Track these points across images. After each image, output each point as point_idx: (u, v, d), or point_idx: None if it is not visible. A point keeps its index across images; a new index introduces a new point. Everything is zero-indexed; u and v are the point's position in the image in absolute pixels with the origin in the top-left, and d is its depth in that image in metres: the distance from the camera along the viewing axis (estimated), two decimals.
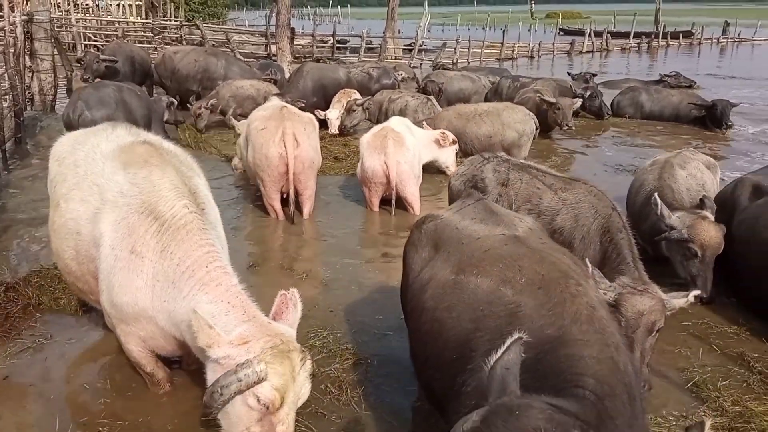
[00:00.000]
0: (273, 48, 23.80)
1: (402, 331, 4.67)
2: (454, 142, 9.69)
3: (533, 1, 77.41)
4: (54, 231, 4.36)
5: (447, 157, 9.72)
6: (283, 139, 7.46)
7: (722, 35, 51.54)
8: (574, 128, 12.87)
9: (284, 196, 7.90)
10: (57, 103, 14.48)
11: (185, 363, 4.57)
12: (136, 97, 10.19)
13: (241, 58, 20.42)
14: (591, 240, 5.35)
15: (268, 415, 3.15)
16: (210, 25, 30.92)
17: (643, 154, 11.73)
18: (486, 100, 15.41)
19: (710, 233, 5.67)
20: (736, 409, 4.26)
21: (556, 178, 5.94)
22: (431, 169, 9.72)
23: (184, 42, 25.59)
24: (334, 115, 12.80)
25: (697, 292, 4.51)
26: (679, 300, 4.29)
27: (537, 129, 11.07)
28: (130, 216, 3.80)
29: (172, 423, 4.09)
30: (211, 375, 3.30)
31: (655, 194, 6.06)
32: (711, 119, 14.47)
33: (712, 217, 5.96)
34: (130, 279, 3.71)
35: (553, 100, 12.56)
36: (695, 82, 21.82)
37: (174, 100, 12.08)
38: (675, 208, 6.13)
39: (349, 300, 5.85)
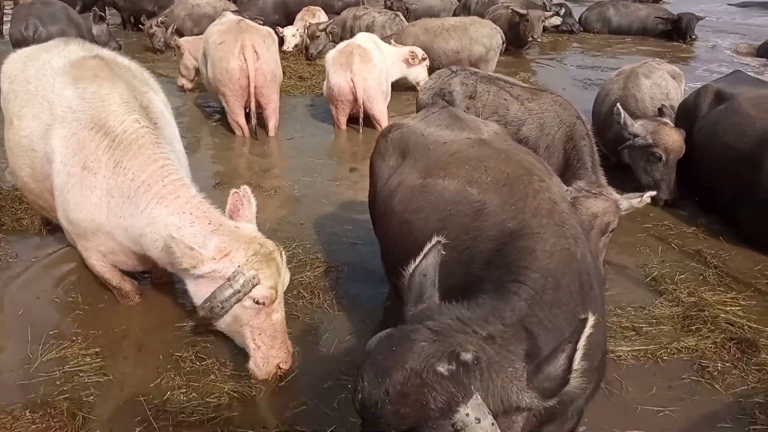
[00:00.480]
0: None
1: (371, 240, 4.72)
2: (424, 59, 9.42)
3: None
4: (9, 149, 4.25)
5: (418, 74, 9.43)
6: (242, 51, 7.24)
7: None
8: (540, 40, 12.92)
9: (247, 110, 7.73)
10: (4, 26, 13.69)
11: (155, 277, 4.59)
12: (77, 14, 10.00)
13: None
14: (555, 148, 5.40)
15: (264, 309, 3.37)
16: None
17: (611, 68, 11.70)
18: (455, 15, 15.07)
19: (672, 137, 5.83)
20: (691, 300, 4.46)
21: (523, 89, 5.93)
22: (400, 87, 9.56)
23: None
24: (290, 32, 12.34)
25: (652, 192, 4.59)
26: (634, 200, 4.38)
27: (503, 43, 10.98)
28: (80, 132, 3.70)
29: (148, 333, 4.13)
30: (196, 288, 3.40)
31: (618, 104, 6.14)
32: (677, 32, 14.65)
33: (672, 124, 6.09)
34: (84, 195, 3.66)
35: (523, 11, 12.49)
36: None
37: (102, 14, 11.30)
38: (637, 116, 6.22)
39: (318, 213, 5.87)
